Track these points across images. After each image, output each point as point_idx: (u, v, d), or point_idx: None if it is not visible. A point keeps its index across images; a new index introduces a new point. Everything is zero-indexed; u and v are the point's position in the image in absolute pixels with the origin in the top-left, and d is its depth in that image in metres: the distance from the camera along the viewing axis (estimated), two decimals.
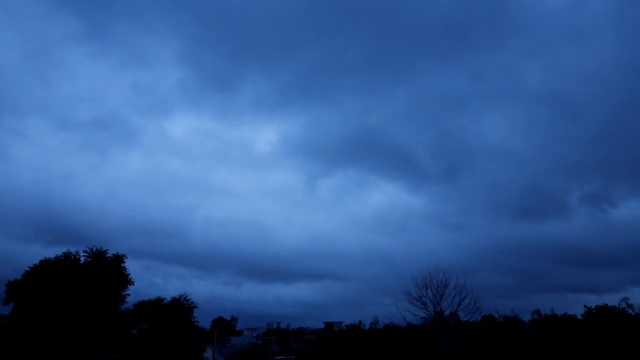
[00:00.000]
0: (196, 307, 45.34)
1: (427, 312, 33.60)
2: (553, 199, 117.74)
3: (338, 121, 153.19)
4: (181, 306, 44.29)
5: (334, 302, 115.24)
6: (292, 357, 61.15)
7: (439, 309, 33.41)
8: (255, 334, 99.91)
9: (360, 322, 78.79)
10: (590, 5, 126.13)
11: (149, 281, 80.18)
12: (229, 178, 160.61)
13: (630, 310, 41.29)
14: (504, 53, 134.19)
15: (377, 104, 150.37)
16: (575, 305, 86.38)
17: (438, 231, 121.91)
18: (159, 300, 44.76)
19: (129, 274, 39.71)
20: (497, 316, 47.31)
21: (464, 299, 31.85)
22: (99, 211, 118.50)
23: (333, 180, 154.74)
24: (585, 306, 44.26)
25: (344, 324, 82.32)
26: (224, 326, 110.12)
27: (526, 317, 48.14)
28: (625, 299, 42.09)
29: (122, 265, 39.33)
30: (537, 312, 47.70)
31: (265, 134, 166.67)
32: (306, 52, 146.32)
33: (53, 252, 45.79)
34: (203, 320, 75.58)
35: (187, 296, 45.11)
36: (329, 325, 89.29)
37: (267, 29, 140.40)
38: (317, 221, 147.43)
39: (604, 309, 42.27)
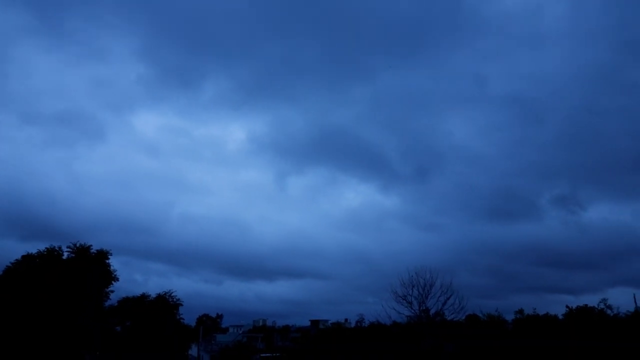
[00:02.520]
0: (181, 304, 45.22)
1: (413, 311, 33.82)
2: (524, 201, 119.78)
3: (302, 119, 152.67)
4: (166, 303, 44.06)
5: (318, 300, 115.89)
6: (278, 354, 61.12)
7: (424, 308, 33.66)
8: (240, 332, 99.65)
9: (346, 320, 79.21)
10: (547, 10, 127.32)
11: (128, 277, 79.59)
12: (202, 175, 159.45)
13: (609, 311, 42.22)
14: (463, 55, 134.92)
15: (339, 103, 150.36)
16: (553, 305, 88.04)
17: (413, 231, 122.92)
18: (143, 297, 44.48)
19: (115, 271, 39.46)
20: (481, 315, 48.03)
21: (449, 298, 32.11)
22: (70, 206, 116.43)
23: (304, 178, 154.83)
24: (566, 306, 45.23)
25: (329, 322, 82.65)
26: (210, 323, 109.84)
27: (509, 317, 48.98)
28: (604, 300, 43.08)
29: (107, 261, 39.01)
30: (520, 311, 48.58)
31: (232, 132, 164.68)
32: (265, 49, 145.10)
33: (27, 247, 45.14)
34: (188, 317, 75.24)
35: (172, 293, 44.95)
36: (314, 323, 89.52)
37: (225, 25, 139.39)
38: (292, 219, 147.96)
39: (584, 310, 43.14)
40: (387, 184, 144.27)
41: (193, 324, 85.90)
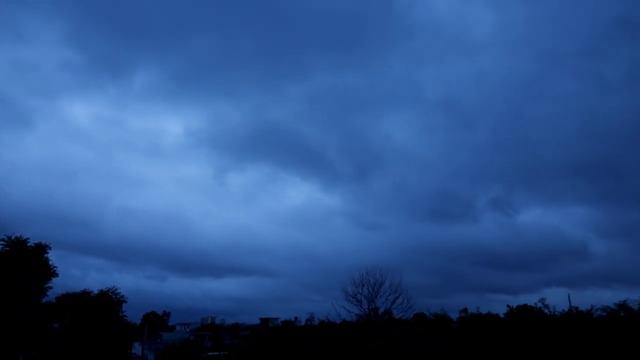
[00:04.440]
0: (125, 301, 43.51)
1: (362, 310, 34.22)
2: (462, 203, 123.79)
3: (239, 115, 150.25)
4: (109, 300, 42.22)
5: (267, 298, 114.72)
6: (226, 353, 60.19)
7: (373, 307, 34.13)
8: (188, 330, 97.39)
9: (296, 318, 79.15)
10: (475, 19, 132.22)
11: (64, 273, 74.49)
12: (140, 168, 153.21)
13: (546, 310, 44.61)
14: (397, 57, 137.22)
15: (276, 99, 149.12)
16: (495, 304, 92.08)
17: (357, 230, 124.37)
18: (85, 293, 42.41)
19: (55, 266, 37.34)
20: (428, 314, 49.41)
21: (397, 297, 32.74)
22: None
23: (245, 175, 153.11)
24: (507, 306, 47.50)
25: (279, 320, 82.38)
26: (156, 321, 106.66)
27: (454, 316, 50.73)
28: (542, 300, 45.52)
29: (45, 255, 36.86)
30: (465, 310, 50.48)
31: (168, 125, 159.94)
32: (198, 40, 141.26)
33: None
34: (133, 315, 72.55)
35: (115, 289, 43.13)
36: (264, 321, 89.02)
37: (155, 13, 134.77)
38: (235, 215, 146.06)
39: (523, 309, 45.36)
40: (329, 182, 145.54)
41: (138, 321, 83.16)
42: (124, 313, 44.28)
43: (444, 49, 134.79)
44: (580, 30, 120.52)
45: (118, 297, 42.79)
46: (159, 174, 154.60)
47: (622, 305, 42.12)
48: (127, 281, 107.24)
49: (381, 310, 34.45)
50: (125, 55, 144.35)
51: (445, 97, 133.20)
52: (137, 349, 66.78)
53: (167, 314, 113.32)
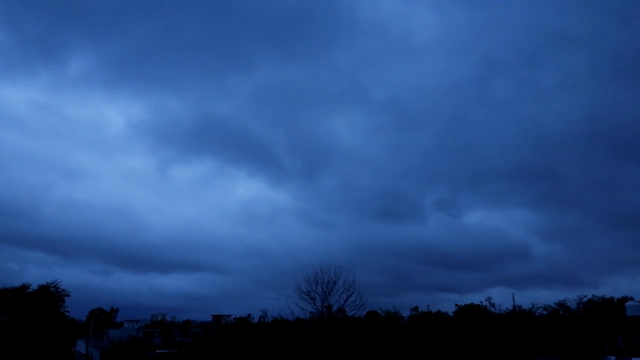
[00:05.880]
0: (68, 295, 41.38)
1: (316, 307, 34.29)
2: (409, 203, 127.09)
3: (181, 106, 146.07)
4: (50, 295, 40.06)
5: (219, 295, 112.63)
6: (176, 350, 58.68)
7: (327, 304, 34.29)
8: (137, 327, 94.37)
9: (249, 315, 78.26)
10: (418, 22, 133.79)
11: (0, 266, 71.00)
12: (80, 159, 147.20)
13: (492, 309, 46.44)
14: (343, 55, 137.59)
15: (219, 92, 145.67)
16: (443, 303, 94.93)
17: (306, 228, 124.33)
18: (23, 287, 40.02)
19: None
20: (380, 312, 50.14)
21: (350, 295, 33.03)
22: None
23: (190, 168, 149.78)
24: (456, 304, 49.14)
25: (232, 317, 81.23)
26: (103, 318, 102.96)
27: (405, 314, 51.85)
28: (489, 299, 47.42)
29: None
30: (415, 309, 51.71)
31: (109, 115, 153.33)
32: (137, 27, 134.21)
33: None
34: (78, 311, 69.41)
35: (57, 284, 40.95)
36: (216, 318, 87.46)
37: None
38: (182, 210, 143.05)
39: (471, 307, 47.00)
40: (277, 179, 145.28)
41: (84, 318, 79.87)
42: (67, 309, 42.21)
43: (388, 49, 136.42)
44: (518, 38, 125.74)
45: (60, 291, 40.66)
46: (100, 164, 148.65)
47: (562, 305, 44.45)
48: (70, 276, 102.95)
49: (334, 308, 34.68)
50: (58, 37, 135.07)
51: (390, 99, 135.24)
52: (81, 346, 63.90)
53: (115, 311, 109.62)
